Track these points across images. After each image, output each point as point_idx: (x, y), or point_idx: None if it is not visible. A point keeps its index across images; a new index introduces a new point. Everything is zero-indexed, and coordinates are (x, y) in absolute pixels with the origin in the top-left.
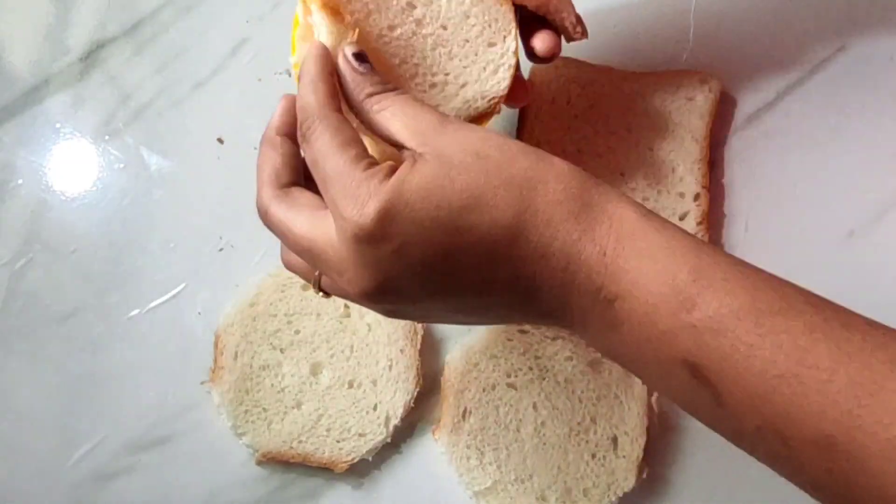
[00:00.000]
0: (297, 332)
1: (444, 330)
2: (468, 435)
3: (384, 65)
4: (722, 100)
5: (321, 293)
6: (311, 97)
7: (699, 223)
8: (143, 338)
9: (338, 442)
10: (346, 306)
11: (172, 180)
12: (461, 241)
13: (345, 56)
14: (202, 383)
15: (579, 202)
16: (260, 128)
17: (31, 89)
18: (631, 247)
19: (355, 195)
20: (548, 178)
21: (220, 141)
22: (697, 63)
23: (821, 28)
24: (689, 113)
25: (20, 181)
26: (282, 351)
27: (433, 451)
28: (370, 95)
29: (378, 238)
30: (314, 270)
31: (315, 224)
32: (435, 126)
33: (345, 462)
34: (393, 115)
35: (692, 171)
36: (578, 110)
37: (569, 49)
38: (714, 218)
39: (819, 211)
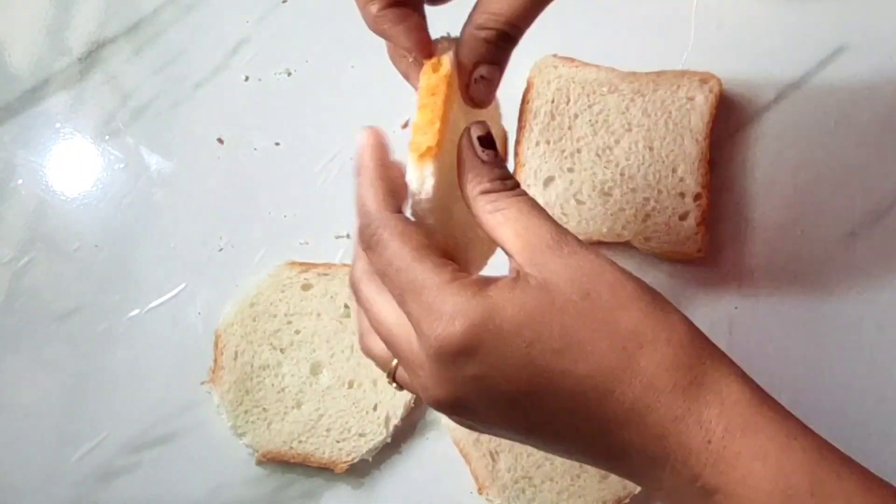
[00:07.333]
0: (297, 332)
1: None
2: (508, 473)
3: None
4: (722, 100)
5: (395, 384)
6: (371, 201)
7: (699, 223)
8: (143, 338)
9: (338, 442)
10: (346, 306)
11: (172, 180)
12: (549, 384)
13: (468, 136)
14: (202, 383)
15: (689, 374)
16: (260, 128)
17: (31, 89)
18: (742, 441)
19: (440, 311)
20: (658, 338)
21: (220, 141)
22: (697, 63)
23: (821, 28)
24: (689, 113)
25: (20, 181)
26: (282, 351)
27: (433, 451)
28: (485, 192)
29: (462, 361)
30: (391, 360)
31: (401, 319)
32: (548, 244)
33: (345, 462)
34: (506, 221)
35: (692, 171)
36: (578, 110)
37: (569, 49)
38: (714, 218)
39: (819, 211)
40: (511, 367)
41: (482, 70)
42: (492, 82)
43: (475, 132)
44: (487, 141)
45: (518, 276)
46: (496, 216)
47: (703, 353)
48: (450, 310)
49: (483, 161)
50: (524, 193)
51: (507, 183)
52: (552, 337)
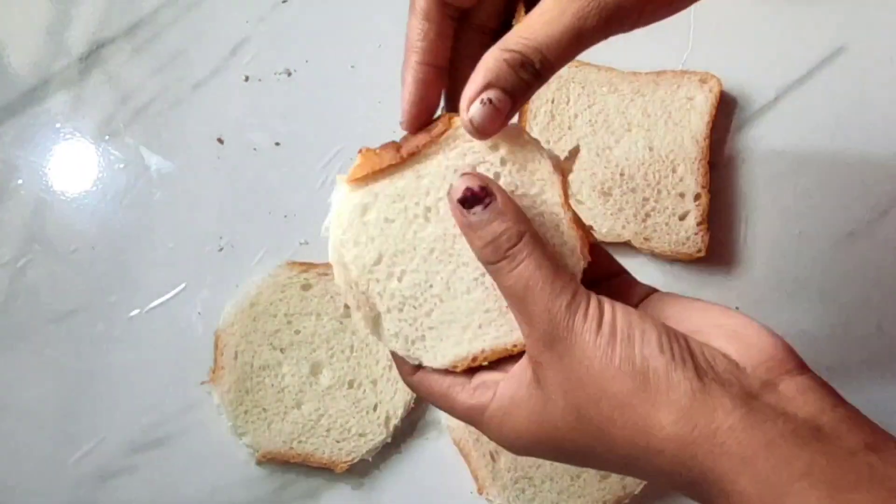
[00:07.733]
0: (297, 332)
1: None
2: (508, 473)
3: None
4: (722, 100)
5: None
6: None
7: (699, 223)
8: (143, 338)
9: (338, 442)
10: (346, 306)
11: (172, 180)
12: (591, 453)
13: (451, 201)
14: (202, 383)
15: (688, 476)
16: (260, 128)
17: (31, 89)
18: None
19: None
20: (648, 450)
21: (220, 141)
22: (697, 63)
23: (821, 28)
24: (689, 113)
25: (20, 181)
26: (282, 351)
27: (433, 451)
28: (488, 264)
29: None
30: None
31: (451, 398)
32: (545, 341)
33: (345, 462)
34: (514, 301)
35: (692, 171)
36: (578, 110)
37: None
38: (714, 218)
39: (819, 211)
40: (556, 450)
41: (490, 93)
42: (498, 112)
43: (455, 195)
44: (473, 198)
45: (531, 381)
46: (507, 292)
47: (700, 449)
48: (494, 436)
49: (471, 224)
50: (526, 254)
51: (502, 245)
52: (562, 450)
